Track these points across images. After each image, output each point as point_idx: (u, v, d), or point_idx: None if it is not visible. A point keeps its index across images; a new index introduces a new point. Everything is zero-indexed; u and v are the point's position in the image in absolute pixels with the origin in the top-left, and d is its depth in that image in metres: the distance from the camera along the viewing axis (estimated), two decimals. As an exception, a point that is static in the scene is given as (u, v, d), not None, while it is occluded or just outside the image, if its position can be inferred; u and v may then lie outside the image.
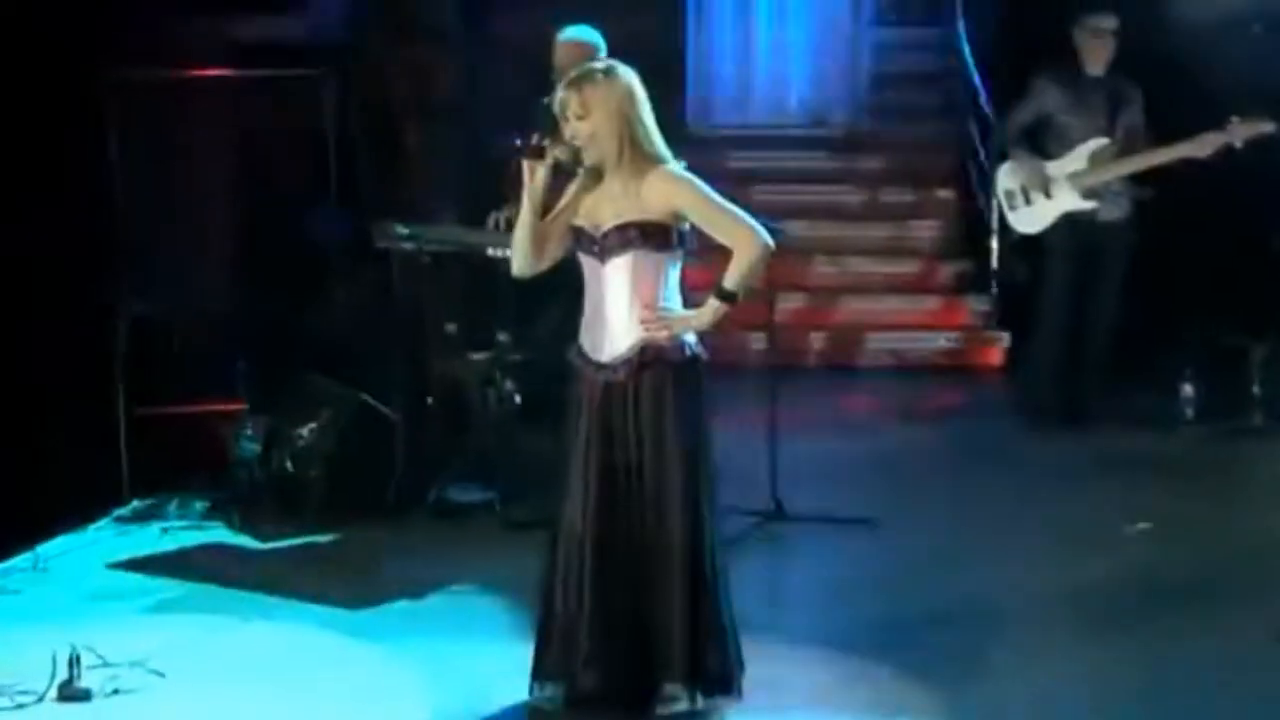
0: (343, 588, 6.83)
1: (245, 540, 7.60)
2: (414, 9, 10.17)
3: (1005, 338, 11.23)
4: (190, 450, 8.35)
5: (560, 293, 7.71)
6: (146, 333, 8.66)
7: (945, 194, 12.22)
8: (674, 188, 5.40)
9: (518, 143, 5.44)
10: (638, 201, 5.37)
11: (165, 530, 7.71)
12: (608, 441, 5.40)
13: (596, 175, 5.44)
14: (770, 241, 5.39)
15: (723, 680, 5.48)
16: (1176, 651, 6.16)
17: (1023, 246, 9.90)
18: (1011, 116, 9.45)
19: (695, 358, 5.48)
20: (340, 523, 7.64)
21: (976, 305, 11.61)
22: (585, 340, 5.48)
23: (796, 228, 11.14)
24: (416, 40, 9.98)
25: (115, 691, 5.69)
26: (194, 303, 8.97)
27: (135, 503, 8.03)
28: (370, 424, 7.89)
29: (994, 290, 11.44)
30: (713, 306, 5.41)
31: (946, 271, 11.91)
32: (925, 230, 12.15)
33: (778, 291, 8.16)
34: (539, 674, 5.52)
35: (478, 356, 7.96)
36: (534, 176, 5.41)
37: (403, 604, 6.70)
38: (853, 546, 7.48)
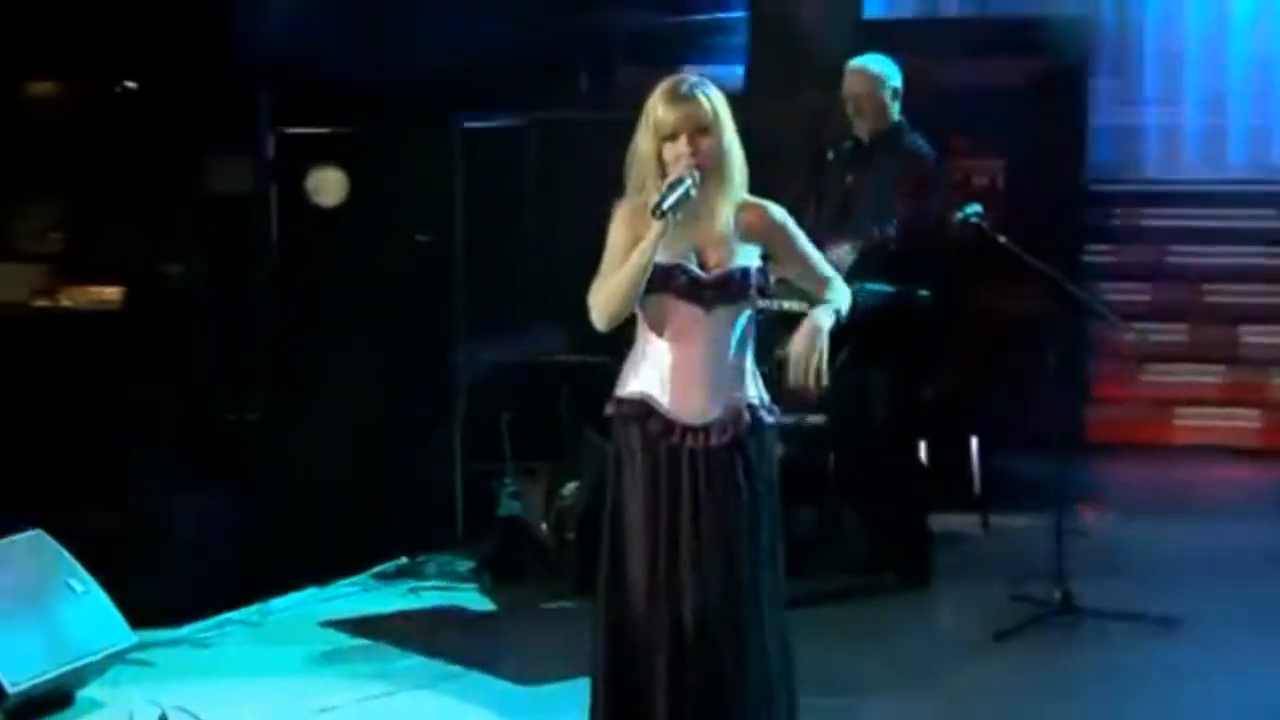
0: (543, 661, 6.36)
1: (486, 604, 7.26)
2: (806, 54, 9.66)
3: None
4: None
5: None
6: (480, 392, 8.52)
7: None
8: (777, 219, 4.76)
9: (659, 201, 4.55)
10: (741, 238, 4.71)
11: (413, 589, 7.47)
12: (700, 518, 4.66)
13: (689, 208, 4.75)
14: None
15: None
16: None
17: None
18: None
19: (778, 419, 4.84)
20: (591, 590, 7.18)
21: None
22: (661, 395, 4.71)
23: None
24: (806, 87, 9.45)
25: (196, 757, 5.46)
26: (525, 357, 8.70)
27: (403, 559, 7.81)
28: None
29: None
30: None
31: None
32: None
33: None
34: None
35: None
36: (665, 225, 4.62)
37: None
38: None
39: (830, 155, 7.86)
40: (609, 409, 4.80)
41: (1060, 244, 8.92)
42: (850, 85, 7.62)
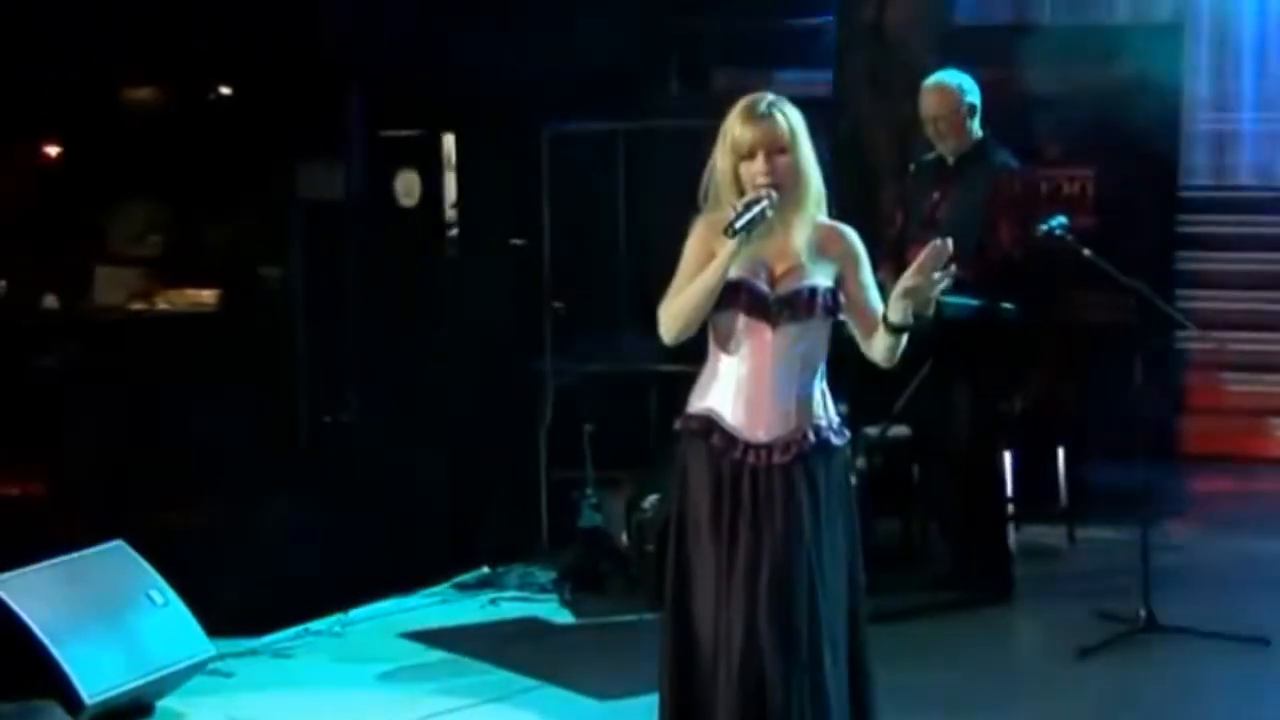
0: (622, 675, 6.30)
1: (566, 616, 7.27)
2: (896, 60, 9.59)
3: None
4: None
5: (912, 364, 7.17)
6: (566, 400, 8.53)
7: None
8: (850, 245, 4.71)
9: (732, 221, 4.53)
10: (813, 257, 4.67)
11: (493, 600, 7.49)
12: (760, 538, 4.63)
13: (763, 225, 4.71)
14: None
15: None
16: None
17: None
18: None
19: (848, 442, 4.78)
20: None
21: None
22: (726, 411, 4.69)
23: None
24: (896, 95, 9.38)
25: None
26: (612, 366, 8.67)
27: (484, 569, 7.82)
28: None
29: None
30: None
31: None
32: None
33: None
34: None
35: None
36: (738, 245, 4.60)
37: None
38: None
39: (912, 168, 7.80)
40: (677, 424, 4.79)
41: (1152, 252, 8.83)
42: (926, 107, 7.51)
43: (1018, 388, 7.70)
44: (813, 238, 4.68)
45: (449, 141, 9.31)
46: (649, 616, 7.00)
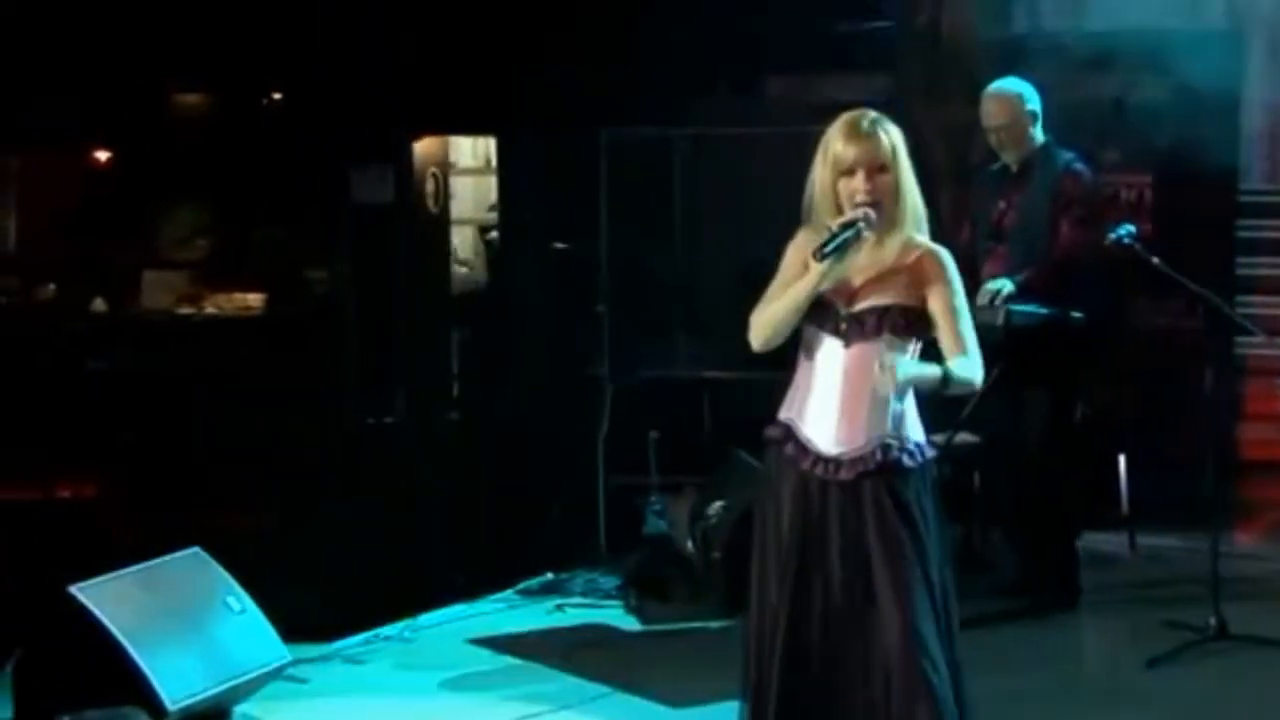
0: (689, 682, 6.35)
1: (632, 622, 7.28)
2: (954, 66, 9.57)
3: None
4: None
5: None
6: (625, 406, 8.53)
7: None
8: (937, 267, 4.68)
9: (822, 244, 4.57)
10: (898, 278, 4.67)
11: (559, 606, 7.50)
12: (827, 550, 4.65)
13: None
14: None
15: None
16: None
17: None
18: None
19: (930, 461, 4.75)
20: (736, 611, 7.17)
21: None
22: (803, 422, 4.71)
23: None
24: (952, 100, 9.36)
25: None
26: (670, 373, 8.66)
27: (549, 575, 7.84)
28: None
29: None
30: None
31: None
32: None
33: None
34: None
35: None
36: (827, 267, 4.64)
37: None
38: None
39: (976, 176, 7.79)
40: (766, 431, 4.81)
41: (1212, 257, 8.78)
42: (987, 116, 7.49)
43: (1080, 395, 7.67)
44: (902, 257, 4.68)
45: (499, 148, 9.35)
46: (717, 623, 7.06)
